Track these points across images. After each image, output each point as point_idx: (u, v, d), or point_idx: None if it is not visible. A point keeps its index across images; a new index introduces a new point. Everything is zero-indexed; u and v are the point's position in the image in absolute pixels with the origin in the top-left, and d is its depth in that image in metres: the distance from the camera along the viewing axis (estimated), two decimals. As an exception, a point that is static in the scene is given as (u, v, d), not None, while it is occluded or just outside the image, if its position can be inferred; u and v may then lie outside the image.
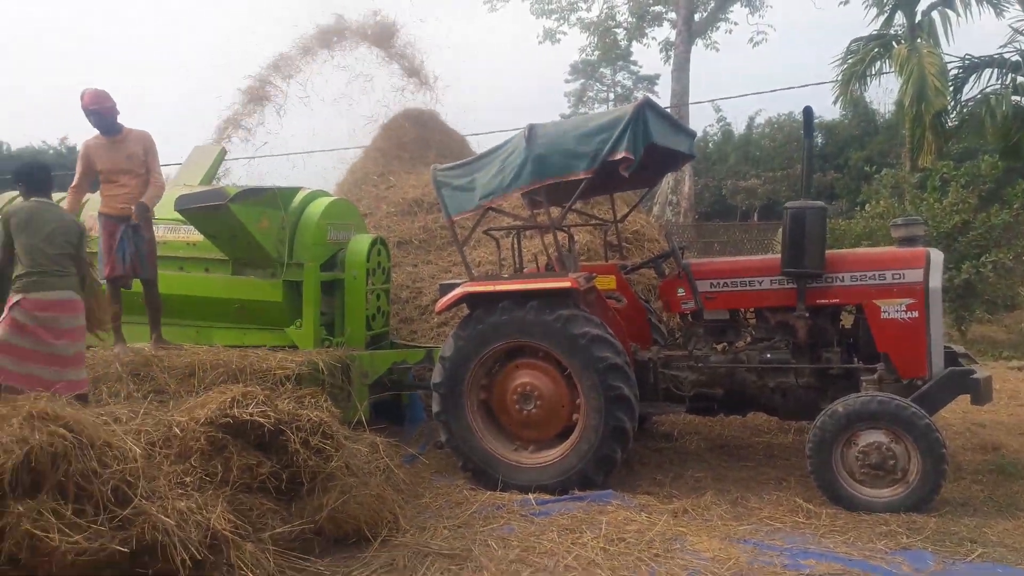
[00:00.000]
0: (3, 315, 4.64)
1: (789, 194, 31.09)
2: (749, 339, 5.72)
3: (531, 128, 5.18)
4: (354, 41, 12.13)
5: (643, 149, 4.89)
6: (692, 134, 6.36)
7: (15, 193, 7.55)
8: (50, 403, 3.89)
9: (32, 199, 4.88)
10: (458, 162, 5.66)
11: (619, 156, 4.90)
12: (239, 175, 11.72)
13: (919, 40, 15.10)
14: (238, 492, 4.03)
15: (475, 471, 5.50)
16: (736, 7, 27.72)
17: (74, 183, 6.17)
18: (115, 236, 5.90)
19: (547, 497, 5.14)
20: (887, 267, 5.20)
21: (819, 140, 38.01)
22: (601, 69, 49.23)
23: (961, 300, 11.40)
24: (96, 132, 6.10)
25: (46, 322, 4.61)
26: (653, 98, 5.17)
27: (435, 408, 5.58)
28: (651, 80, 52.66)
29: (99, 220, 6.05)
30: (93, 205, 6.51)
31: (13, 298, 4.61)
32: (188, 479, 3.87)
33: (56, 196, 7.06)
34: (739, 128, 41.34)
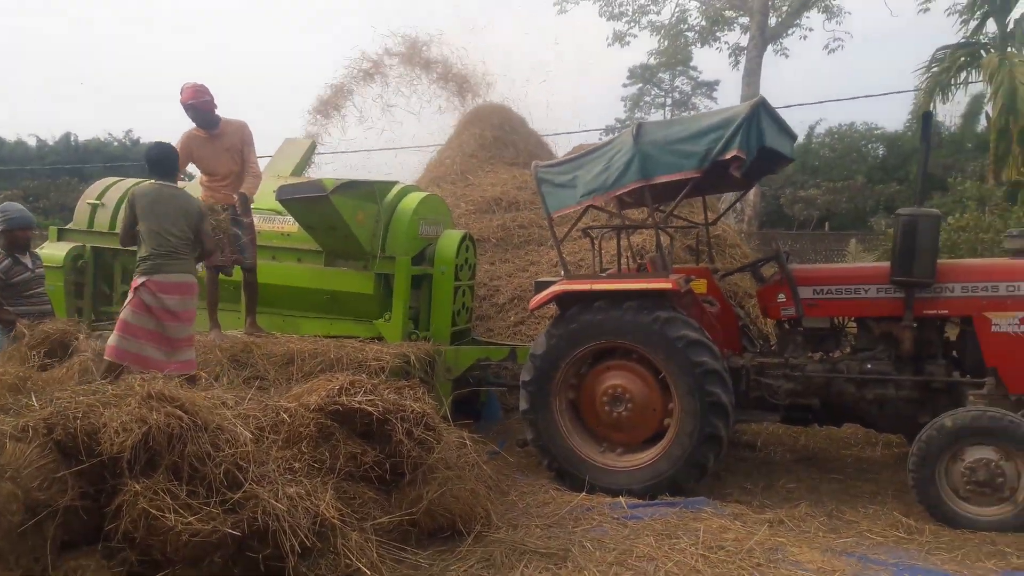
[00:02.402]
0: (130, 296, 4.77)
1: (849, 206, 30.47)
2: (848, 349, 5.58)
3: (640, 126, 5.13)
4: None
5: (756, 150, 4.81)
6: (795, 136, 6.23)
7: (132, 180, 7.80)
8: (166, 384, 3.99)
9: (158, 183, 4.98)
10: (560, 158, 5.64)
11: (731, 155, 4.82)
12: (326, 171, 11.93)
13: (1010, 49, 14.59)
14: (343, 480, 4.07)
15: (560, 471, 5.47)
16: (812, 13, 27.14)
17: None
18: None
19: (637, 501, 5.08)
20: (1001, 279, 5.02)
21: (880, 152, 37.18)
22: (660, 74, 48.81)
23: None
24: (195, 127, 6.24)
25: (167, 304, 4.74)
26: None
27: (523, 406, 5.56)
28: (710, 86, 52.02)
29: None
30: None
31: (138, 280, 4.74)
32: (297, 465, 3.91)
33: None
34: (799, 138, 40.59)
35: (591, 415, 5.50)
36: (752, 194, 24.86)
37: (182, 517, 3.49)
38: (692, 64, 46.47)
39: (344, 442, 4.12)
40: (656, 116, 53.22)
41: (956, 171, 23.58)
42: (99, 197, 7.65)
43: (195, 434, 3.76)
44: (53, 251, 7.37)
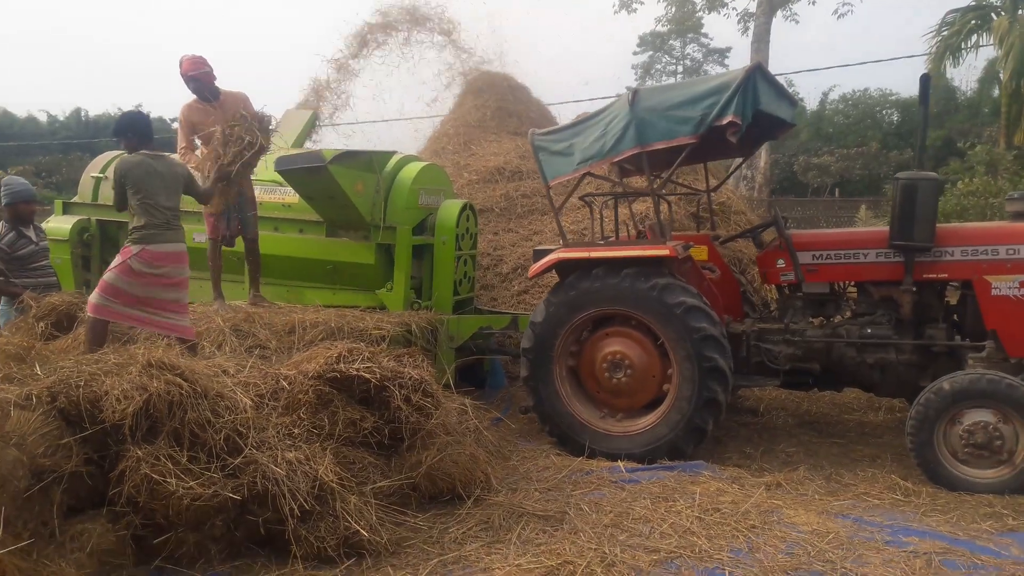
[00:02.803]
0: (118, 261, 4.83)
1: (863, 172, 30.20)
2: (848, 313, 5.58)
3: (635, 92, 5.10)
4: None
5: (752, 115, 4.78)
6: (795, 102, 6.19)
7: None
8: (166, 352, 4.05)
9: (141, 152, 4.99)
10: (557, 126, 5.62)
11: (727, 120, 4.79)
12: (327, 141, 11.87)
13: (1021, 12, 14.33)
14: (342, 446, 4.13)
15: (561, 437, 5.52)
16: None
17: (181, 150, 6.29)
18: None
19: (636, 465, 5.12)
20: (1001, 242, 4.99)
21: (895, 117, 36.73)
22: (671, 41, 48.25)
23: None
24: (194, 98, 6.24)
25: (163, 272, 4.82)
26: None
27: (523, 373, 5.60)
28: (722, 53, 51.39)
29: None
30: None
31: (133, 248, 4.79)
32: (296, 431, 3.97)
33: None
34: (812, 104, 40.26)
35: (591, 381, 5.54)
36: (763, 161, 24.66)
37: (183, 482, 3.57)
38: (703, 31, 45.93)
39: (343, 408, 4.18)
40: (708, 75, 52.56)
41: (973, 136, 23.31)
42: (102, 170, 7.69)
43: (195, 401, 3.83)
44: (59, 224, 7.43)
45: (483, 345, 6.83)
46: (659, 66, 55.15)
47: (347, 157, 6.05)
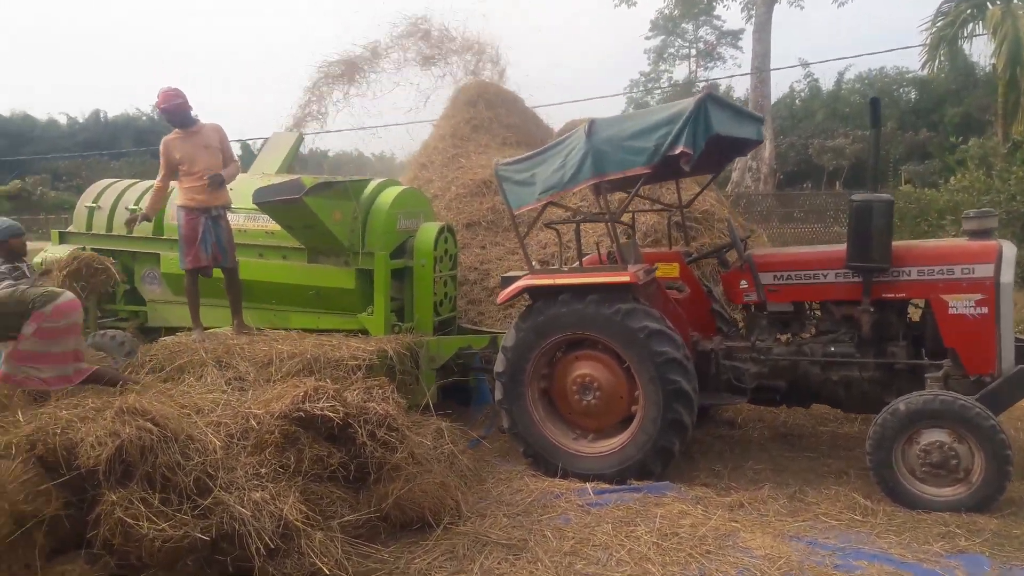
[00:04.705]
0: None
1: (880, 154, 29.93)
2: (813, 331, 5.68)
3: (591, 123, 5.22)
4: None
5: (704, 143, 4.88)
6: (759, 119, 6.27)
7: (127, 181, 8.09)
8: (138, 398, 4.25)
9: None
10: (520, 156, 5.74)
11: (678, 151, 4.90)
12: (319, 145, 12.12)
13: (1015, 0, 14.23)
14: (310, 482, 4.31)
15: (536, 457, 5.67)
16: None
17: (158, 181, 6.56)
18: (197, 228, 6.25)
19: (605, 487, 5.27)
20: (956, 261, 5.07)
21: (912, 96, 36.37)
22: (683, 25, 47.96)
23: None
24: (174, 130, 6.45)
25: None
26: (718, 92, 5.09)
27: (497, 396, 5.75)
28: (735, 35, 50.96)
29: (179, 213, 6.41)
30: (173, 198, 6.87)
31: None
32: (264, 470, 4.14)
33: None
34: (827, 84, 39.93)
35: (563, 403, 5.68)
36: (767, 152, 24.60)
37: (155, 524, 3.74)
38: (715, 14, 45.67)
39: (310, 446, 4.35)
40: (682, 68, 52.22)
41: (991, 112, 23.05)
42: (95, 200, 7.91)
43: (165, 445, 4.01)
44: (56, 254, 7.65)
45: (466, 364, 6.98)
46: (672, 50, 54.86)
47: (323, 188, 6.21)
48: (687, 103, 4.92)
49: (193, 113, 6.44)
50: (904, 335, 5.41)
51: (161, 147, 6.49)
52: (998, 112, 14.32)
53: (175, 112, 6.32)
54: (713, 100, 5.03)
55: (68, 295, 5.18)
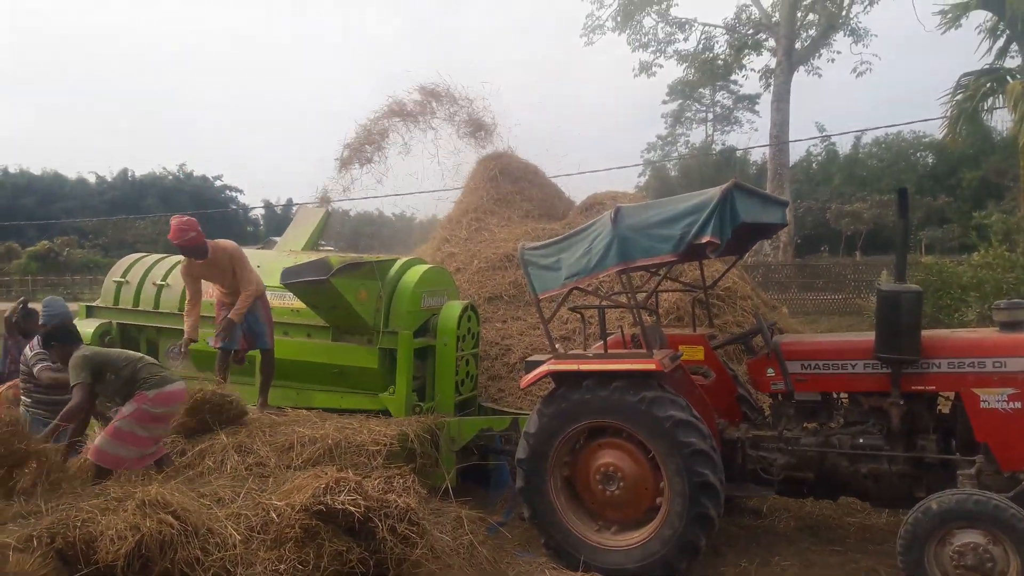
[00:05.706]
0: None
1: (896, 219, 29.81)
2: (842, 421, 5.58)
3: (617, 210, 5.25)
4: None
5: (731, 232, 4.88)
6: (783, 204, 6.30)
7: (154, 256, 8.22)
8: (160, 489, 4.22)
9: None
10: (545, 241, 5.76)
11: (705, 240, 4.90)
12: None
13: (1035, 75, 14.35)
14: (329, 577, 4.22)
15: (557, 549, 5.53)
16: (839, 36, 26.95)
17: (188, 305, 6.67)
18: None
19: (627, 584, 5.13)
20: (987, 354, 4.99)
21: (929, 160, 36.44)
22: (700, 89, 48.73)
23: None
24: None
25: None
26: (743, 182, 5.10)
27: (519, 483, 5.66)
28: (751, 99, 51.63)
29: (216, 301, 6.57)
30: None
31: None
32: (283, 567, 4.07)
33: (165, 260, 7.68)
34: (844, 148, 40.15)
35: (586, 492, 5.57)
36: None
37: (172, 623, 3.71)
38: (732, 79, 46.50)
39: (330, 540, 4.26)
40: (698, 132, 52.73)
41: (1010, 177, 22.99)
42: (124, 275, 8.02)
43: (185, 540, 3.99)
44: (82, 328, 7.71)
45: (486, 446, 6.91)
46: (689, 114, 55.57)
47: (350, 268, 6.27)
48: (713, 192, 4.93)
49: (204, 241, 6.47)
50: (934, 428, 5.30)
51: (182, 272, 6.67)
52: (1022, 185, 14.29)
53: (187, 247, 6.40)
54: (739, 189, 5.04)
55: (177, 385, 5.44)
